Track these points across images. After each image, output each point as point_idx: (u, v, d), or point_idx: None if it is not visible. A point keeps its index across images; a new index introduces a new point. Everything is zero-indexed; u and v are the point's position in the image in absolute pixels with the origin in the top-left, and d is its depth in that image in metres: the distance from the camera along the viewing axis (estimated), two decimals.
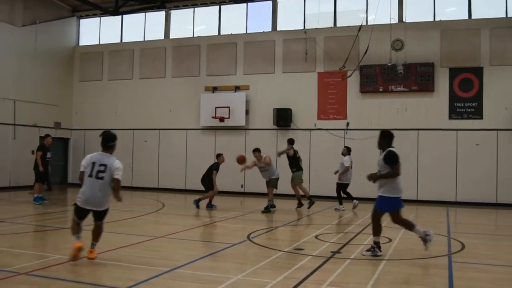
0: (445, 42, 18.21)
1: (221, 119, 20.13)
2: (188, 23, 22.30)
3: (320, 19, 19.84)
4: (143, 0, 21.47)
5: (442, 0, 18.81)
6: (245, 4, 20.97)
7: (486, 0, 18.38)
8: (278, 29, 20.68)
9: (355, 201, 15.02)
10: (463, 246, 9.04)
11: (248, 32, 21.15)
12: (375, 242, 8.04)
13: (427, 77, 18.12)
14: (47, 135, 15.67)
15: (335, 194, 15.37)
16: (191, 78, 21.47)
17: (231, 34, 21.25)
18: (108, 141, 7.47)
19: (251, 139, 19.27)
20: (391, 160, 8.11)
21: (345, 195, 15.12)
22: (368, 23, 18.69)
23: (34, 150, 16.10)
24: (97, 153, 7.49)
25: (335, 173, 15.17)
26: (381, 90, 18.65)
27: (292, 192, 15.64)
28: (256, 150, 14.57)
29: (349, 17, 19.57)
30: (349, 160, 15.20)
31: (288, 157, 15.31)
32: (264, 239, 9.86)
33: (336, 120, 19.26)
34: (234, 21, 21.42)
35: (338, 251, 8.27)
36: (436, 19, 18.68)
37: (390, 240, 9.55)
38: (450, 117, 18.02)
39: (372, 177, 8.26)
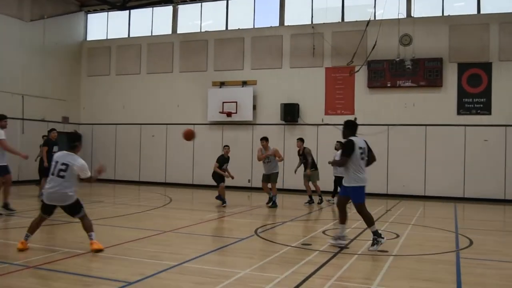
0: (454, 37, 18.11)
1: (229, 114, 20.15)
2: (195, 18, 22.30)
3: (328, 14, 19.80)
4: None
5: None
6: None
7: None
8: (286, 24, 20.64)
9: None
10: (471, 242, 9.02)
11: (255, 27, 21.12)
12: (373, 233, 8.08)
13: (435, 72, 18.03)
14: (52, 129, 15.72)
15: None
16: (198, 73, 21.49)
17: (239, 29, 21.23)
18: (71, 141, 7.72)
19: (258, 134, 19.24)
20: (345, 148, 8.28)
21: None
22: (376, 18, 18.65)
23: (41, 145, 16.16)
24: (61, 152, 7.77)
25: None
26: (389, 85, 18.59)
27: (300, 187, 15.65)
28: (264, 139, 14.45)
29: (357, 12, 19.51)
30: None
31: (305, 155, 15.29)
32: (271, 234, 9.88)
33: (344, 115, 19.10)
34: (241, 16, 21.40)
35: (345, 247, 8.27)
36: (445, 14, 18.57)
37: (398, 235, 9.55)
38: (459, 113, 17.94)
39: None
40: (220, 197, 14.28)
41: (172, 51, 22.14)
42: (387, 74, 18.58)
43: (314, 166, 15.41)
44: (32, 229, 7.67)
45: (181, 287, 5.90)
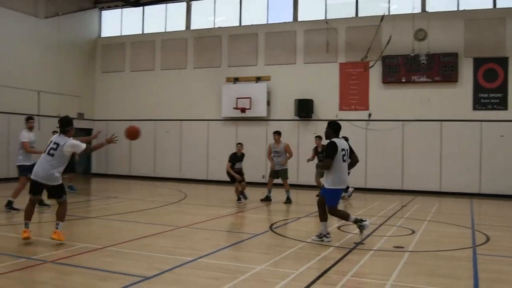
0: (469, 31, 17.91)
1: (243, 110, 20.16)
2: (209, 14, 22.32)
3: (342, 9, 19.71)
4: None
5: None
6: None
7: None
8: (299, 19, 20.56)
9: (350, 188, 15.07)
10: (488, 239, 8.95)
11: (269, 22, 21.07)
12: (354, 221, 8.29)
13: (451, 67, 17.87)
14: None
15: (358, 185, 15.33)
16: (212, 69, 21.52)
17: (252, 24, 21.21)
18: (64, 126, 8.02)
19: (272, 130, 19.12)
20: (328, 150, 8.25)
21: None
22: (390, 13, 18.52)
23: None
24: (56, 134, 8.16)
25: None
26: (403, 80, 18.46)
27: (311, 183, 15.63)
28: (276, 133, 14.41)
29: (371, 7, 19.37)
30: None
31: (323, 152, 15.30)
32: (286, 229, 9.89)
33: (358, 111, 19.13)
34: (255, 11, 21.37)
35: (361, 242, 8.25)
36: (460, 8, 18.37)
37: (414, 232, 9.50)
38: (474, 108, 17.76)
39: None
40: (243, 193, 14.06)
41: (186, 47, 22.18)
42: (401, 69, 18.46)
43: None
44: (28, 215, 7.89)
45: (197, 282, 5.94)
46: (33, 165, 9.70)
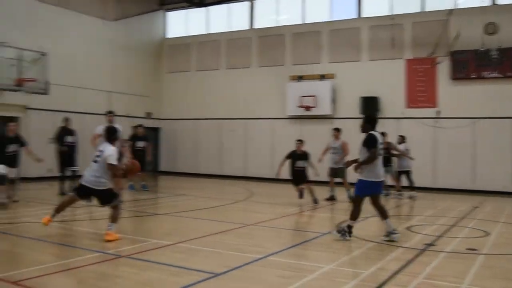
0: None
1: (307, 108, 20.11)
2: (272, 13, 22.40)
3: (407, 4, 19.26)
4: None
5: None
6: None
7: None
8: (363, 15, 20.26)
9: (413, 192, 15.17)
10: None
11: (332, 19, 20.90)
12: (348, 226, 8.28)
13: None
14: (140, 125, 16.41)
15: (425, 185, 15.00)
16: (276, 67, 21.57)
17: (315, 22, 21.10)
18: (110, 134, 8.35)
19: None
20: (369, 143, 8.19)
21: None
22: (458, 6, 17.92)
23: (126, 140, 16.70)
24: (104, 142, 8.37)
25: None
26: (473, 76, 17.81)
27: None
28: (336, 129, 14.31)
29: (438, 1, 18.78)
30: (403, 147, 15.54)
31: (389, 150, 15.17)
32: (354, 229, 9.75)
33: (425, 109, 18.63)
34: (318, 9, 21.24)
35: (432, 244, 8.06)
36: None
37: (487, 233, 9.17)
38: None
39: (349, 164, 8.72)
40: (312, 195, 13.29)
41: (250, 46, 22.36)
42: (471, 64, 17.81)
43: (390, 161, 15.28)
44: (60, 209, 8.34)
45: (266, 280, 5.98)
46: None
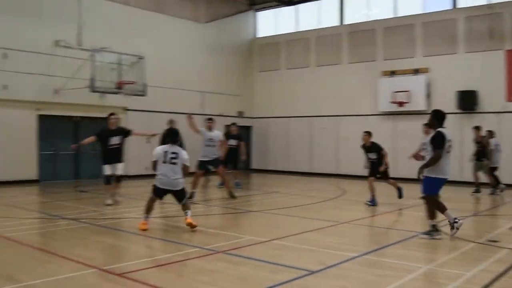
0: None
1: (400, 104, 19.57)
2: (362, 7, 22.02)
3: None
4: None
5: None
6: None
7: None
8: (459, 6, 19.39)
9: (501, 185, 14.58)
10: None
11: (426, 12, 20.19)
12: (432, 225, 8.03)
13: None
14: (233, 124, 16.77)
15: None
16: (367, 63, 21.18)
17: (408, 15, 20.47)
18: (174, 136, 9.08)
19: None
20: (437, 142, 7.88)
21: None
22: None
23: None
24: (165, 145, 9.02)
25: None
26: None
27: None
28: (426, 124, 13.73)
29: None
30: (493, 143, 14.90)
31: (482, 144, 14.59)
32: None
33: None
34: (410, 1, 20.60)
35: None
36: None
37: None
38: None
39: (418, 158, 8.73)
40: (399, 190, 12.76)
41: (341, 42, 22.12)
42: None
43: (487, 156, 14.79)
44: (149, 210, 8.75)
45: (363, 278, 5.92)
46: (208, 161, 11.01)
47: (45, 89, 17.06)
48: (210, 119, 13.43)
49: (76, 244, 7.63)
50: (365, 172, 13.04)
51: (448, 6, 19.61)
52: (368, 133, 12.86)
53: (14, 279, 5.61)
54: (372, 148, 12.67)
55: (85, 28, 17.01)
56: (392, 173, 13.04)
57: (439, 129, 8.03)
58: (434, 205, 8.13)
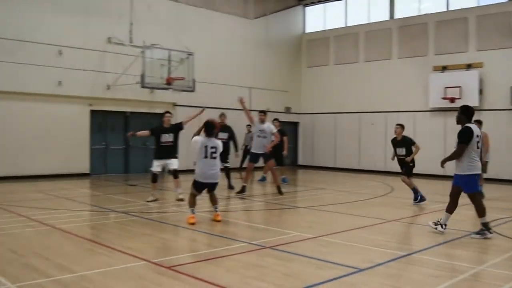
0: None
1: (452, 100, 19.08)
2: (413, 1, 21.58)
3: None
4: None
5: None
6: None
7: None
8: None
9: None
10: None
11: (480, 5, 19.60)
12: (482, 224, 7.91)
13: None
14: (275, 119, 16.76)
15: None
16: (418, 58, 20.78)
17: (461, 8, 19.93)
18: (211, 129, 8.96)
19: (485, 120, 17.84)
20: (461, 137, 7.88)
21: None
22: None
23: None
24: (203, 138, 8.94)
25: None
26: None
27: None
28: (477, 122, 13.30)
29: None
30: None
31: None
32: (506, 228, 9.12)
33: None
34: None
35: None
36: None
37: None
38: None
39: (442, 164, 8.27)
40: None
41: (390, 37, 21.76)
42: None
43: None
44: (193, 204, 8.98)
45: (412, 278, 5.83)
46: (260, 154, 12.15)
47: (97, 85, 17.57)
48: (263, 112, 13.49)
49: (126, 236, 7.83)
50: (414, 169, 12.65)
51: None
52: (401, 126, 12.28)
53: (68, 269, 5.81)
54: (402, 143, 12.11)
55: (136, 25, 17.37)
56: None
57: (467, 124, 7.99)
58: (478, 203, 8.01)
